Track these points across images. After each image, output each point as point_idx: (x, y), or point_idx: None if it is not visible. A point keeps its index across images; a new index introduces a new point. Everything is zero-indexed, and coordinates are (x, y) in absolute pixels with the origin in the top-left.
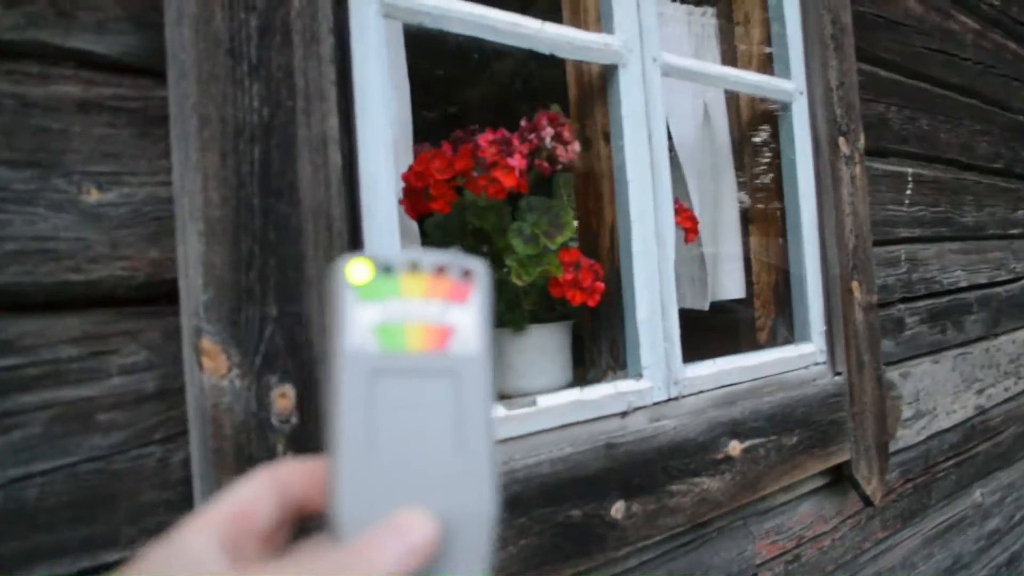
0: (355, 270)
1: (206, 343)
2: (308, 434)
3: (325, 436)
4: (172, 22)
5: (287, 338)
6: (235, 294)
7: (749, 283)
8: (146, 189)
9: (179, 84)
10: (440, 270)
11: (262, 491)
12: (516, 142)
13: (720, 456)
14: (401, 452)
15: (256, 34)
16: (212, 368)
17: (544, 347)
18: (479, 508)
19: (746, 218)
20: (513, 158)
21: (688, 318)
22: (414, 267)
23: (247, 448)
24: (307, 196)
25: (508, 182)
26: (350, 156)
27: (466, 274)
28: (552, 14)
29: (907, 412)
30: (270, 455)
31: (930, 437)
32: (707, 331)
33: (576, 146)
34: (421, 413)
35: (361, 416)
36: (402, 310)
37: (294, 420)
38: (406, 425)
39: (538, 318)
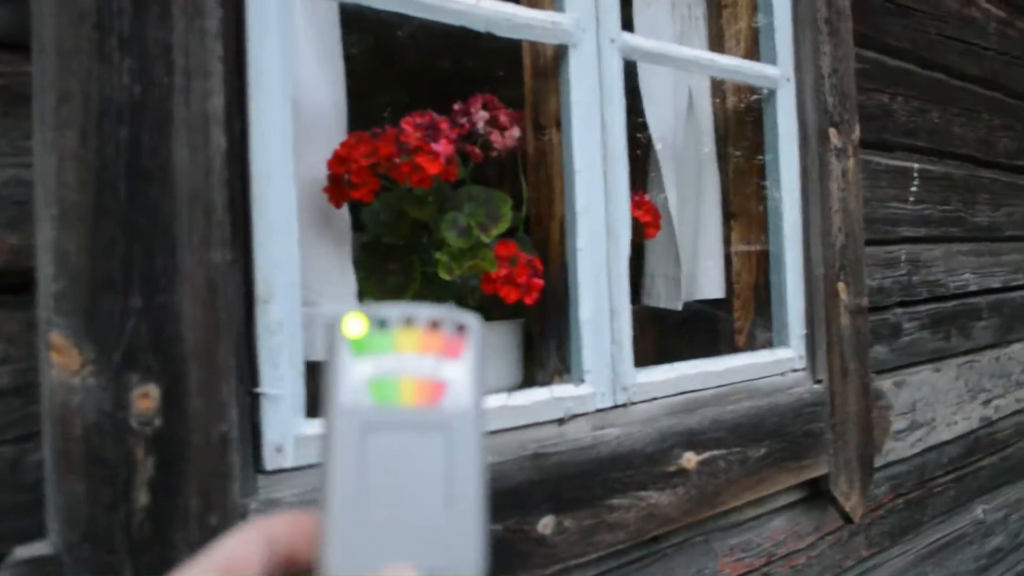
0: (350, 324)
1: (56, 337)
2: (172, 437)
3: (318, 489)
4: None
5: (153, 332)
6: (92, 284)
7: (731, 283)
8: (7, 171)
9: (39, 59)
10: (434, 325)
11: (251, 543)
12: (444, 127)
13: (672, 468)
14: (392, 506)
15: (130, 6)
16: (62, 364)
17: (488, 347)
18: (466, 566)
19: (729, 213)
20: (439, 143)
21: (662, 319)
22: (408, 322)
23: (100, 451)
24: (183, 180)
25: (432, 169)
26: (242, 140)
27: (460, 329)
28: None
29: (900, 423)
30: (127, 459)
31: (927, 450)
32: (683, 333)
33: (515, 132)
34: (413, 468)
35: (353, 470)
36: (396, 365)
37: (157, 422)
38: (398, 479)
39: (488, 316)
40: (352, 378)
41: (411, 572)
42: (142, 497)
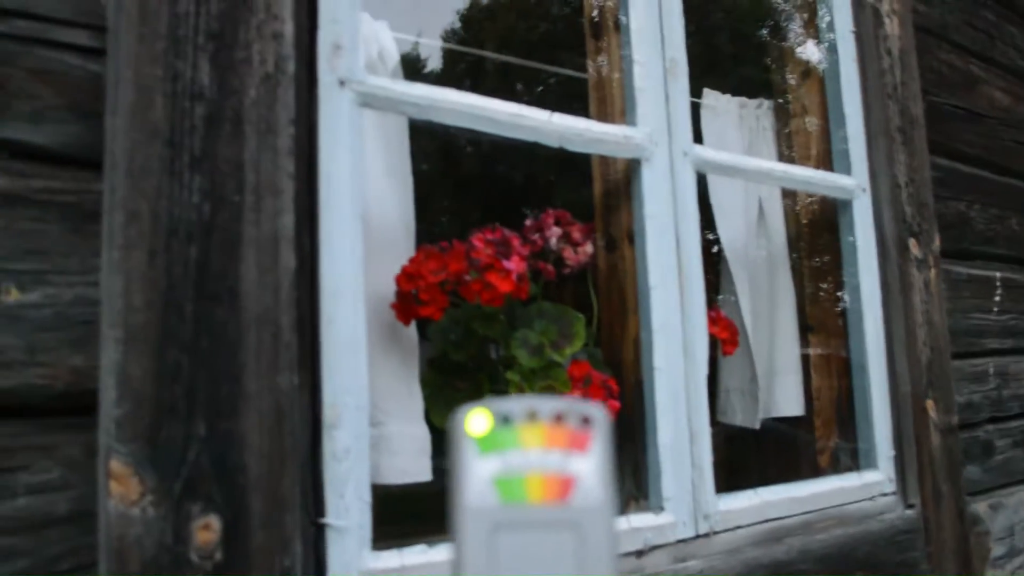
0: (474, 421)
1: (116, 465)
2: (234, 572)
3: None
4: (109, 111)
5: (216, 461)
6: (155, 410)
7: (810, 399)
8: (74, 290)
9: (110, 176)
10: (559, 418)
11: None
12: (516, 243)
13: None
14: None
15: (202, 124)
16: (121, 494)
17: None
18: None
19: (806, 327)
20: (511, 260)
21: (738, 438)
22: (532, 416)
23: None
24: (250, 301)
25: (504, 287)
26: (312, 258)
27: (585, 421)
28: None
29: (998, 549)
30: None
31: None
32: (760, 453)
33: (588, 248)
34: (544, 566)
35: (483, 570)
36: (522, 461)
37: (218, 556)
38: None
39: None
40: (478, 477)
41: None
42: None
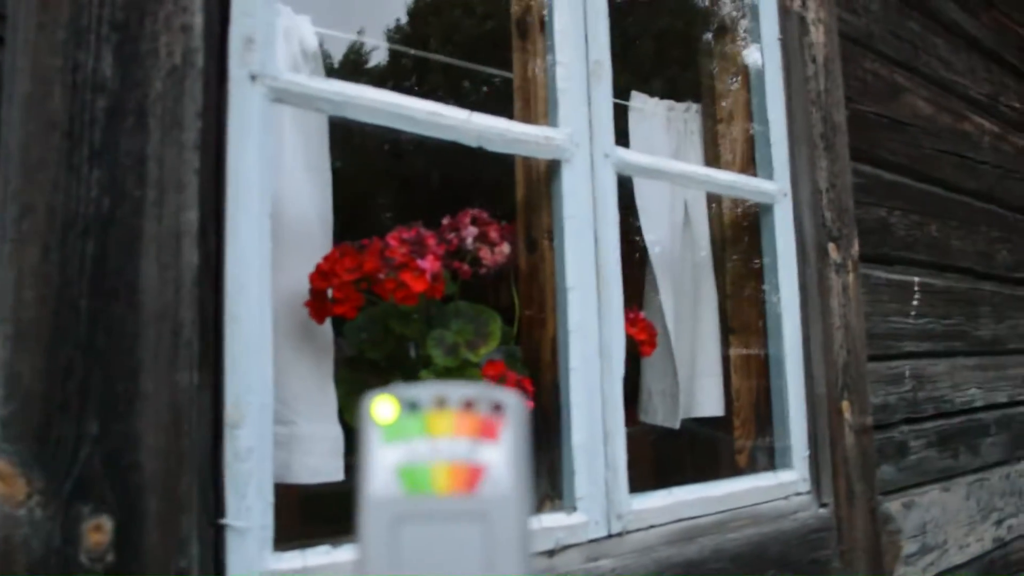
0: (380, 409)
1: (2, 465)
2: (127, 574)
3: None
4: (5, 101)
5: (109, 461)
6: (45, 409)
7: (730, 400)
8: None
9: (4, 169)
10: (469, 405)
11: None
12: (432, 242)
13: None
14: None
15: (103, 116)
16: (7, 494)
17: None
18: None
19: (728, 329)
20: (425, 260)
21: (659, 438)
22: (441, 403)
23: None
24: (150, 298)
25: (417, 286)
26: (217, 255)
27: (497, 408)
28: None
29: (910, 547)
30: None
31: (939, 575)
32: (682, 453)
33: (505, 248)
34: (449, 560)
35: (386, 564)
36: (429, 450)
37: (109, 558)
38: (433, 573)
39: None
40: (383, 466)
41: None
42: None
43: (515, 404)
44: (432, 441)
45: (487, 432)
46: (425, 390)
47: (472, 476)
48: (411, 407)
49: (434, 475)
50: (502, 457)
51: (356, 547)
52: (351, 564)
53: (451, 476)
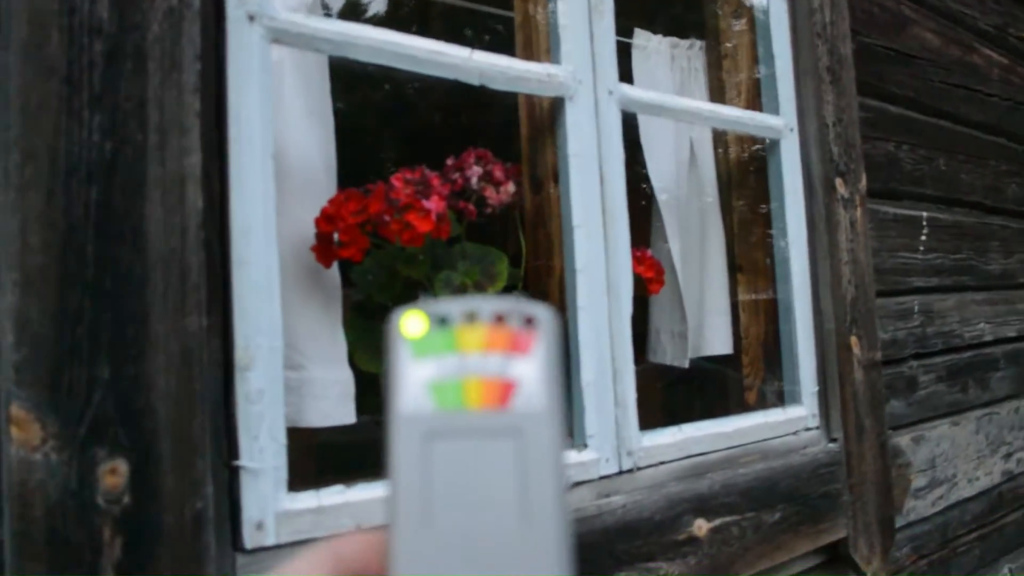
0: (408, 323)
1: (16, 410)
2: (142, 516)
3: (384, 503)
4: (2, 47)
5: (121, 404)
6: (56, 354)
7: (739, 338)
8: None
9: (3, 115)
10: (500, 319)
11: (318, 564)
12: (436, 182)
13: (682, 537)
14: (461, 521)
15: (101, 60)
16: (22, 439)
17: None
18: None
19: (736, 266)
20: (430, 200)
21: (669, 376)
22: (471, 317)
23: (63, 532)
24: (156, 242)
25: (423, 227)
26: (222, 198)
27: (529, 322)
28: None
29: (920, 481)
30: (93, 541)
31: (948, 508)
32: (691, 391)
33: (510, 187)
34: (482, 477)
35: (417, 482)
36: (459, 365)
37: (126, 500)
38: (466, 491)
39: None
40: (412, 382)
41: None
42: None
43: (547, 318)
44: (463, 355)
45: (519, 346)
46: (455, 305)
47: (505, 391)
48: (440, 322)
49: (466, 390)
50: (535, 372)
51: (386, 464)
52: (365, 504)
53: (483, 391)
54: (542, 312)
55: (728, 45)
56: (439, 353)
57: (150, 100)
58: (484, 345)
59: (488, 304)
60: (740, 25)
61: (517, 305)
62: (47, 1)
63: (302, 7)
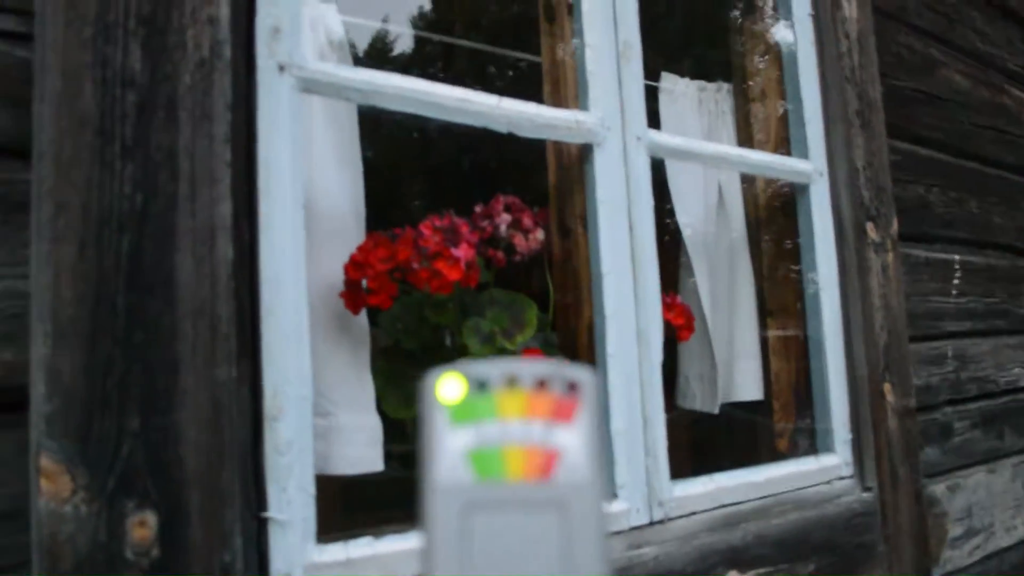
0: (446, 387)
1: (46, 462)
2: (171, 568)
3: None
4: (37, 98)
5: (150, 456)
6: (86, 405)
7: (769, 383)
8: (3, 283)
9: (38, 167)
10: (542, 384)
11: None
12: (465, 230)
13: None
14: None
15: (133, 112)
16: (52, 491)
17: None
18: None
19: (766, 311)
20: (459, 248)
21: (699, 423)
22: (512, 382)
23: None
24: (186, 293)
25: (452, 275)
26: (252, 248)
27: (571, 387)
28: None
29: (956, 530)
30: None
31: (986, 558)
32: (721, 438)
33: (539, 234)
34: (524, 552)
35: (456, 556)
36: (500, 432)
37: (155, 552)
38: (507, 566)
39: None
40: (450, 450)
41: None
42: None
43: (589, 382)
44: (503, 423)
45: (562, 413)
46: (494, 368)
47: (548, 461)
48: (480, 386)
49: (507, 460)
50: (578, 440)
51: (422, 537)
52: (394, 557)
53: (525, 461)
54: (585, 376)
55: (756, 87)
56: (478, 420)
57: (181, 151)
58: (526, 412)
59: (529, 368)
60: (767, 67)
61: (559, 369)
62: (80, 53)
63: (330, 52)
